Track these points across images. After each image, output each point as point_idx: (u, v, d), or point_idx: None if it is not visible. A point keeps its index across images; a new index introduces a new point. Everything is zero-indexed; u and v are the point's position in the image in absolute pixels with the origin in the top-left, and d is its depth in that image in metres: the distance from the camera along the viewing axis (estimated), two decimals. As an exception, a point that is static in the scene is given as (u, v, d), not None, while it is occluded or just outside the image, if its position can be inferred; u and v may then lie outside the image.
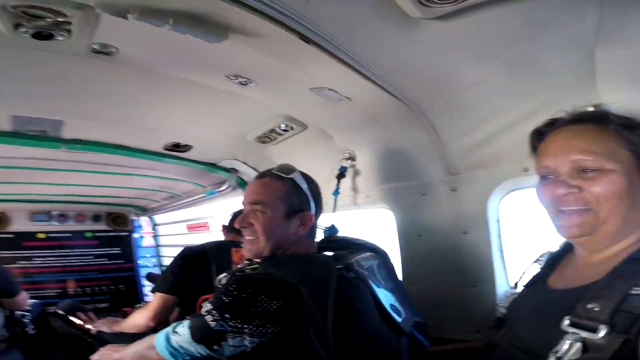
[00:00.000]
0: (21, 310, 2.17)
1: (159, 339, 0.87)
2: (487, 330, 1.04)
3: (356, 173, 1.61)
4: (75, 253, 3.64)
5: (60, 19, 0.75)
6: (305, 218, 0.95)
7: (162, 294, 1.40)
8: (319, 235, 1.20)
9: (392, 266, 1.11)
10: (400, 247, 1.42)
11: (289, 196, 0.94)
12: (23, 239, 3.42)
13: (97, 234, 3.77)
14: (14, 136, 1.55)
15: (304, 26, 0.73)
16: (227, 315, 0.77)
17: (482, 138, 1.14)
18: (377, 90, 1.01)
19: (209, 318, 0.78)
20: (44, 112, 1.42)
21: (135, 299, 3.67)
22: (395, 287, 1.02)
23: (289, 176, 0.95)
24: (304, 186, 0.96)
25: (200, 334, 0.80)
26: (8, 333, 2.01)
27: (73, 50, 0.91)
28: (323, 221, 1.55)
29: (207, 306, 0.81)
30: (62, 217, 3.58)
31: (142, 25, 0.72)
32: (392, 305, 0.92)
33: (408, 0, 0.65)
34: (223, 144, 1.83)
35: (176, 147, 1.85)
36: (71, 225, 3.64)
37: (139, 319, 1.43)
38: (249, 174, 2.10)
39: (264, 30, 0.77)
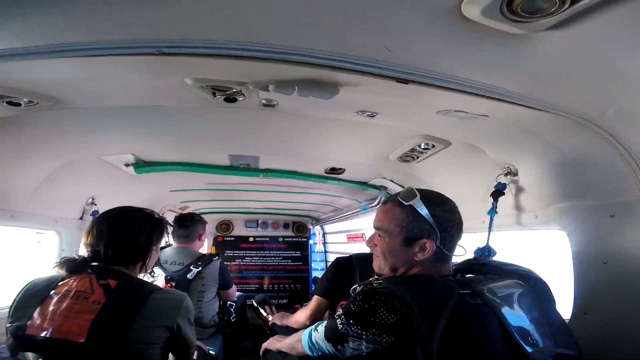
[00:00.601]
0: (230, 301, 2.58)
1: (305, 333, 1.07)
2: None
3: (519, 190, 1.43)
4: (271, 255, 4.61)
5: (235, 90, 1.08)
6: (424, 245, 0.95)
7: (318, 297, 1.60)
8: (464, 256, 1.16)
9: (547, 295, 0.97)
10: (576, 272, 1.21)
11: (408, 223, 0.96)
12: (240, 242, 4.60)
13: (286, 239, 4.67)
14: (231, 169, 2.23)
15: (394, 70, 0.78)
16: (351, 321, 0.87)
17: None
18: (514, 106, 0.91)
19: (338, 321, 0.91)
20: (246, 151, 1.97)
21: (306, 298, 4.26)
22: (541, 317, 0.91)
23: (408, 203, 0.96)
24: (425, 212, 0.94)
25: (330, 333, 0.94)
26: (218, 320, 2.40)
27: (250, 106, 1.24)
28: (474, 242, 1.45)
29: (339, 311, 0.94)
30: (264, 224, 4.64)
31: None
32: (525, 335, 0.84)
33: (498, 22, 0.60)
34: (369, 165, 2.00)
35: (333, 170, 2.19)
36: (269, 232, 4.66)
37: (300, 316, 1.67)
38: (397, 191, 2.17)
39: (363, 81, 0.87)
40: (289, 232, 4.69)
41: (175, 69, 0.93)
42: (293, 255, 4.64)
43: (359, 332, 0.86)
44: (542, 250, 1.62)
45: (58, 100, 1.10)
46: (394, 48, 0.70)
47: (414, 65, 0.77)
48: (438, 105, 1.06)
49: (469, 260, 1.13)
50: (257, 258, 4.58)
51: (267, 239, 4.64)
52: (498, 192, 1.44)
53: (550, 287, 0.99)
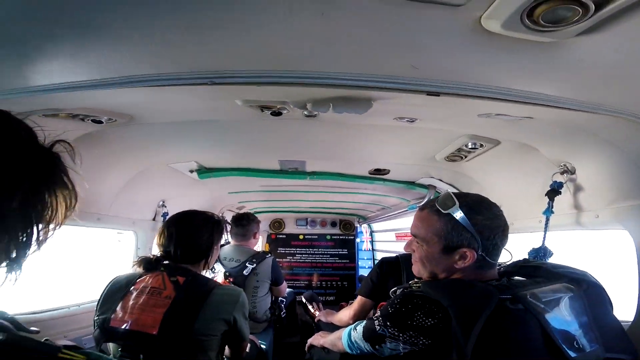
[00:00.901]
0: (281, 297, 2.65)
1: (345, 332, 1.12)
2: None
3: (578, 189, 1.34)
4: (319, 252, 4.73)
5: (279, 106, 1.16)
6: (464, 254, 0.93)
7: (362, 297, 1.62)
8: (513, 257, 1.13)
9: (601, 299, 0.92)
10: None
11: (446, 232, 0.93)
12: (291, 239, 4.79)
13: (333, 237, 4.76)
14: (281, 172, 2.37)
15: (423, 85, 0.79)
16: (388, 323, 0.91)
17: None
18: (560, 110, 0.87)
19: (376, 322, 0.95)
20: (294, 156, 2.08)
21: (352, 296, 4.31)
22: (592, 321, 0.86)
23: (446, 212, 0.93)
24: (465, 221, 0.91)
25: (368, 334, 0.98)
26: (270, 315, 2.50)
27: (294, 117, 1.32)
28: (529, 242, 1.39)
29: (378, 312, 0.98)
30: (313, 222, 4.79)
31: None
32: (570, 340, 0.81)
33: (522, 33, 0.59)
34: (415, 165, 1.99)
35: (377, 171, 2.21)
36: (318, 230, 4.79)
37: (343, 315, 1.68)
38: (446, 190, 2.11)
39: (395, 95, 0.90)
40: (336, 230, 4.78)
41: (225, 94, 1.05)
42: (340, 252, 4.72)
43: (396, 334, 0.89)
44: (604, 250, 1.49)
45: (132, 117, 1.28)
46: (421, 65, 0.72)
47: (443, 79, 0.78)
48: (477, 110, 1.04)
49: (518, 262, 1.09)
50: (307, 255, 4.73)
51: (316, 236, 4.77)
52: (554, 191, 1.36)
53: (606, 291, 0.93)
